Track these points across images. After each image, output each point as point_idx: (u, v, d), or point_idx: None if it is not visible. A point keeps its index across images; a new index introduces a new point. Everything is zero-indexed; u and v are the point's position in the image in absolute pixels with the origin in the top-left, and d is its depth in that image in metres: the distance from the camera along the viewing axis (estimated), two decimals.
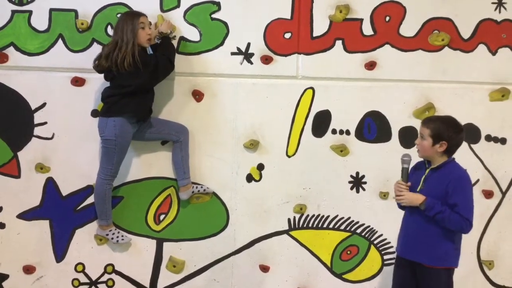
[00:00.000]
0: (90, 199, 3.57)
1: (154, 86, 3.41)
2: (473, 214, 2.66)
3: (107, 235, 3.52)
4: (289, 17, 3.58)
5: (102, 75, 3.37)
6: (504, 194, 3.69)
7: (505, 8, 3.60)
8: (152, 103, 3.46)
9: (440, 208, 2.62)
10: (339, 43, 3.60)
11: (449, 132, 2.66)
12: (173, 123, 3.55)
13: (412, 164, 2.85)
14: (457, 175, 2.68)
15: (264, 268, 3.69)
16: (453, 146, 2.69)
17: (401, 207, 2.90)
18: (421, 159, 2.83)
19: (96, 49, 3.45)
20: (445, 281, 2.73)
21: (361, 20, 3.59)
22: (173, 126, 3.53)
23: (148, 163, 3.63)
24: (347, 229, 3.69)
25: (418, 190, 2.74)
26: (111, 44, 3.27)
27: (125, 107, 3.27)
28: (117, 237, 3.53)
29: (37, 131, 3.58)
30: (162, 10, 3.54)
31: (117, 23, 3.31)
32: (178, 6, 3.55)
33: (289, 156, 3.66)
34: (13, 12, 3.51)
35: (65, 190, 3.60)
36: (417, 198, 2.68)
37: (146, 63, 3.24)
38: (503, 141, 3.68)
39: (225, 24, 3.57)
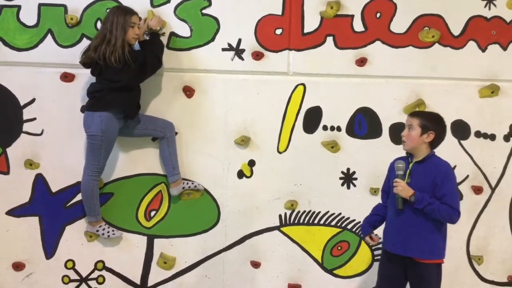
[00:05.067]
0: (80, 196, 3.54)
1: (140, 83, 3.39)
2: (459, 204, 2.76)
3: (97, 231, 3.51)
4: (280, 13, 3.58)
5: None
6: (493, 190, 3.72)
7: (494, 5, 3.62)
8: (139, 99, 3.44)
9: (429, 200, 2.68)
10: (330, 39, 3.60)
11: (436, 124, 2.80)
12: (159, 119, 3.52)
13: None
14: (444, 168, 2.78)
15: (255, 264, 3.70)
16: (438, 139, 2.81)
17: (393, 204, 2.87)
18: (401, 156, 2.92)
19: (86, 45, 3.41)
20: (436, 275, 2.79)
21: (352, 16, 3.60)
22: (158, 122, 3.51)
23: (138, 159, 3.61)
24: (338, 225, 3.70)
25: None
26: (99, 36, 3.25)
27: (112, 101, 3.25)
28: (108, 232, 3.51)
29: (26, 127, 3.55)
30: (152, 5, 3.52)
31: (108, 16, 3.28)
32: (168, 1, 3.53)
33: (280, 152, 3.66)
34: (2, 6, 3.48)
35: (54, 186, 3.58)
36: (408, 190, 2.72)
37: (134, 60, 3.22)
38: (492, 137, 3.70)
39: (216, 19, 3.56)
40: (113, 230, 3.53)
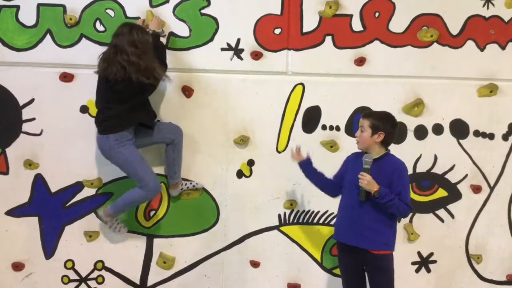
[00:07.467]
0: (79, 196, 3.56)
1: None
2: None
3: (107, 222, 3.44)
4: (279, 13, 3.58)
5: (90, 71, 3.32)
6: (492, 189, 3.73)
7: (493, 5, 3.63)
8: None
9: (391, 196, 2.81)
10: (328, 39, 3.61)
11: (386, 124, 2.91)
12: (167, 124, 3.50)
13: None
14: (400, 166, 2.92)
15: (255, 264, 3.70)
16: (389, 138, 2.93)
17: (350, 196, 2.97)
18: (355, 152, 3.09)
19: (85, 45, 3.44)
20: (390, 265, 2.94)
21: (351, 16, 3.60)
22: (167, 127, 3.46)
23: None
24: None
25: None
26: (130, 55, 3.11)
27: (130, 120, 3.22)
28: (115, 227, 3.49)
29: (25, 127, 3.55)
30: (151, 5, 3.52)
31: (141, 35, 3.18)
32: (167, 1, 3.53)
33: (279, 152, 3.67)
34: (0, 7, 3.47)
35: (54, 186, 3.58)
36: (373, 185, 2.80)
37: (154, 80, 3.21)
38: (491, 136, 3.71)
39: (215, 19, 3.56)
40: (120, 227, 3.50)
